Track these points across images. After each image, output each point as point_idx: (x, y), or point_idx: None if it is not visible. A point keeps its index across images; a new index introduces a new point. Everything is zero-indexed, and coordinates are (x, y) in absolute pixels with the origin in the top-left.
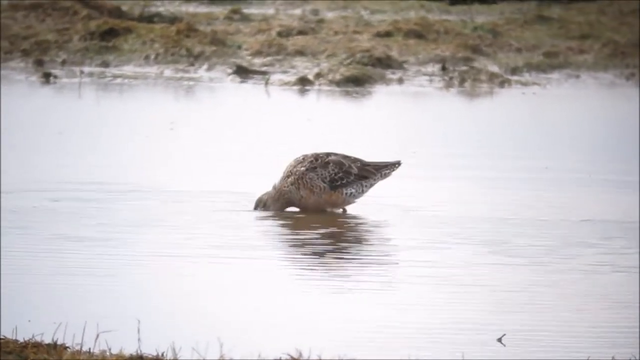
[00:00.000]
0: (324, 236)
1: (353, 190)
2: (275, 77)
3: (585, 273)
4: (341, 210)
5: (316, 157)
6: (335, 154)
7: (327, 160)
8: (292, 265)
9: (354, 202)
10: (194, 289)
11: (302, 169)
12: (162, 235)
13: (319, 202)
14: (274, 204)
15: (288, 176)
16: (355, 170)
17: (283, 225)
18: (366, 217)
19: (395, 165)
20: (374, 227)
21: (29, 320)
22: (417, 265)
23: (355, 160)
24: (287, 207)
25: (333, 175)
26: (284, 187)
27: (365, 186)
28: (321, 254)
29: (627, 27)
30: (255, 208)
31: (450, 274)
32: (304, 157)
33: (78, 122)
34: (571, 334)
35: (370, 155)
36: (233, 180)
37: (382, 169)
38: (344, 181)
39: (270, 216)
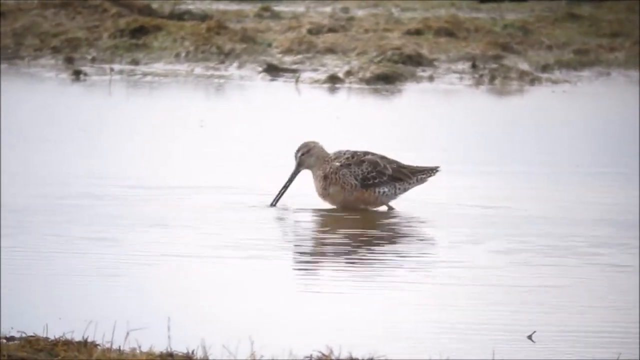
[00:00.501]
0: (354, 234)
1: (386, 190)
2: (305, 75)
3: (617, 272)
4: (385, 208)
5: (353, 154)
6: (373, 154)
7: (363, 158)
8: (322, 264)
9: (387, 202)
10: (224, 287)
11: (337, 164)
12: (192, 233)
13: (348, 199)
14: (316, 160)
15: (327, 161)
16: (389, 171)
17: (314, 224)
18: (396, 214)
19: (432, 170)
20: (405, 224)
21: (60, 318)
22: (447, 264)
23: (392, 161)
24: (316, 184)
25: (366, 173)
26: (327, 164)
27: (399, 188)
28: (352, 253)
29: None
30: (298, 152)
31: (480, 273)
32: (341, 153)
33: (108, 119)
34: (601, 333)
35: (399, 152)
36: (262, 178)
37: (417, 174)
38: (376, 181)
39: (301, 215)
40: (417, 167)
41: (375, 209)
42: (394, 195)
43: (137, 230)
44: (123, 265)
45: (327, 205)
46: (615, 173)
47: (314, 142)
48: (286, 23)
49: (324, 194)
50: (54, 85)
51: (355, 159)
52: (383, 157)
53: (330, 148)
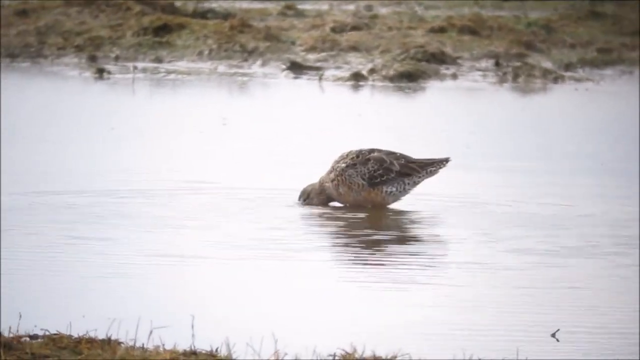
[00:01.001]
0: (375, 233)
1: (393, 189)
2: (329, 73)
3: None
4: (388, 205)
5: (358, 153)
6: (379, 150)
7: (368, 157)
8: (342, 263)
9: (395, 200)
10: (247, 285)
11: (343, 165)
12: (212, 231)
13: (358, 199)
14: (317, 197)
15: (331, 171)
16: (397, 167)
17: (334, 222)
18: (418, 212)
19: (442, 162)
20: (428, 223)
21: (83, 316)
22: (470, 263)
23: (400, 157)
24: (329, 201)
25: (372, 172)
26: (326, 182)
27: (408, 184)
28: (373, 252)
29: None
30: (299, 199)
31: (501, 273)
32: (348, 153)
33: (131, 117)
34: (625, 334)
35: (422, 150)
36: (283, 176)
37: (427, 166)
38: (383, 178)
39: (320, 212)
40: (426, 159)
41: (385, 207)
42: (404, 192)
43: (158, 229)
44: (145, 263)
45: (343, 204)
46: None
47: (310, 185)
48: (310, 21)
49: (337, 196)
50: (77, 84)
51: (361, 158)
52: (390, 153)
53: (351, 146)
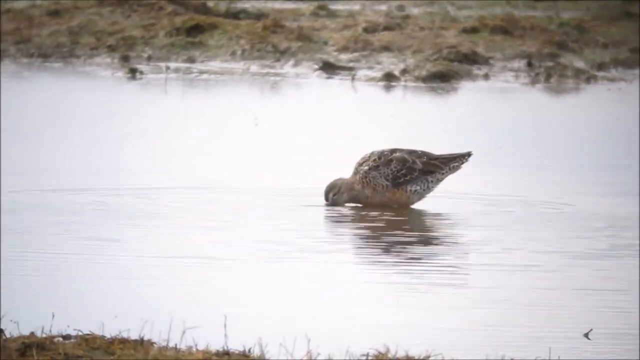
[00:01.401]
0: (404, 234)
1: (417, 188)
2: (361, 73)
3: None
4: (413, 204)
5: (380, 154)
6: (401, 150)
7: (390, 157)
8: (374, 264)
9: (420, 199)
10: (279, 285)
11: (366, 167)
12: (245, 231)
13: (384, 200)
14: (347, 192)
15: (355, 173)
16: (419, 165)
17: (364, 223)
18: (448, 213)
19: (464, 156)
20: (459, 224)
21: (116, 317)
22: (501, 264)
23: (422, 154)
24: (353, 202)
25: (395, 172)
26: (355, 184)
27: (432, 181)
28: (403, 253)
29: None
30: (328, 192)
31: (535, 272)
32: (370, 155)
33: (163, 118)
34: None
35: (454, 151)
36: (313, 177)
37: (450, 162)
38: (407, 178)
39: (349, 213)
40: (448, 155)
41: (410, 206)
42: (428, 190)
43: (191, 229)
44: (177, 264)
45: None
46: None
47: (339, 179)
48: (342, 21)
49: (364, 198)
50: (109, 84)
51: (383, 159)
52: (411, 152)
53: (383, 146)
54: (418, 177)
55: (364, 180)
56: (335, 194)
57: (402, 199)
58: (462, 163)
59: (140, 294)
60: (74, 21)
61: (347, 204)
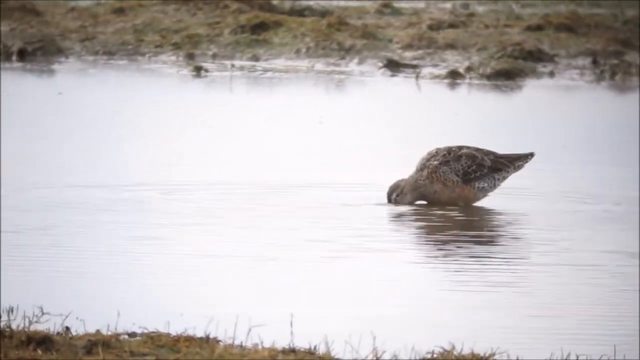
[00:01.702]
0: (468, 233)
1: (485, 185)
2: (425, 71)
3: None
4: (479, 200)
5: (449, 150)
6: (468, 147)
7: (459, 153)
8: (437, 264)
9: (485, 196)
10: (344, 282)
11: (435, 162)
12: (310, 229)
13: (452, 196)
14: (410, 192)
15: (422, 169)
16: (488, 162)
17: (428, 220)
18: (508, 210)
19: (528, 156)
20: (523, 222)
21: (182, 314)
22: (566, 264)
23: (488, 152)
24: (419, 199)
25: (466, 168)
26: (420, 179)
27: (498, 179)
28: (468, 252)
29: None
30: (390, 193)
31: (599, 271)
32: (437, 151)
33: (228, 115)
34: None
35: (519, 149)
36: (379, 175)
37: (515, 161)
38: (477, 174)
39: (412, 210)
40: (512, 154)
41: (474, 204)
42: (494, 187)
43: (256, 227)
44: (243, 262)
45: (435, 202)
46: None
47: (402, 180)
48: (406, 19)
49: (432, 194)
50: (174, 82)
51: (453, 155)
52: (478, 149)
53: (447, 144)
54: (487, 174)
55: (433, 175)
56: (398, 195)
57: (470, 195)
58: (526, 162)
59: (205, 292)
60: (138, 19)
61: (412, 203)
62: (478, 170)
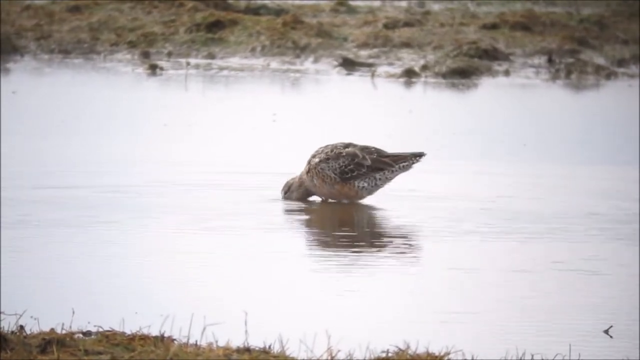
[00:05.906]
0: (411, 233)
1: (365, 184)
2: (381, 70)
3: None
4: (363, 199)
5: (332, 148)
6: (354, 145)
7: (341, 151)
8: (393, 260)
9: (370, 194)
10: (298, 281)
11: (317, 160)
12: (260, 229)
13: (333, 192)
14: (297, 190)
15: (307, 165)
16: (368, 162)
17: (396, 216)
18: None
19: (416, 156)
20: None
21: (136, 313)
22: (538, 262)
23: (374, 151)
24: (308, 196)
25: (343, 167)
26: (303, 175)
27: (380, 179)
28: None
29: None
30: (283, 191)
31: (553, 272)
32: (323, 148)
33: (183, 113)
34: None
35: (477, 147)
36: None
37: (400, 161)
38: (354, 173)
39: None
40: (400, 154)
41: (357, 201)
42: (376, 187)
43: (210, 226)
44: (197, 261)
45: (322, 197)
46: None
47: (292, 179)
48: (362, 17)
49: (313, 187)
50: (130, 80)
51: (334, 153)
52: (364, 148)
53: (404, 142)
54: (366, 173)
55: (313, 170)
56: (286, 192)
57: (351, 194)
58: (413, 163)
59: (160, 291)
60: (94, 17)
61: (302, 199)
62: (356, 169)
